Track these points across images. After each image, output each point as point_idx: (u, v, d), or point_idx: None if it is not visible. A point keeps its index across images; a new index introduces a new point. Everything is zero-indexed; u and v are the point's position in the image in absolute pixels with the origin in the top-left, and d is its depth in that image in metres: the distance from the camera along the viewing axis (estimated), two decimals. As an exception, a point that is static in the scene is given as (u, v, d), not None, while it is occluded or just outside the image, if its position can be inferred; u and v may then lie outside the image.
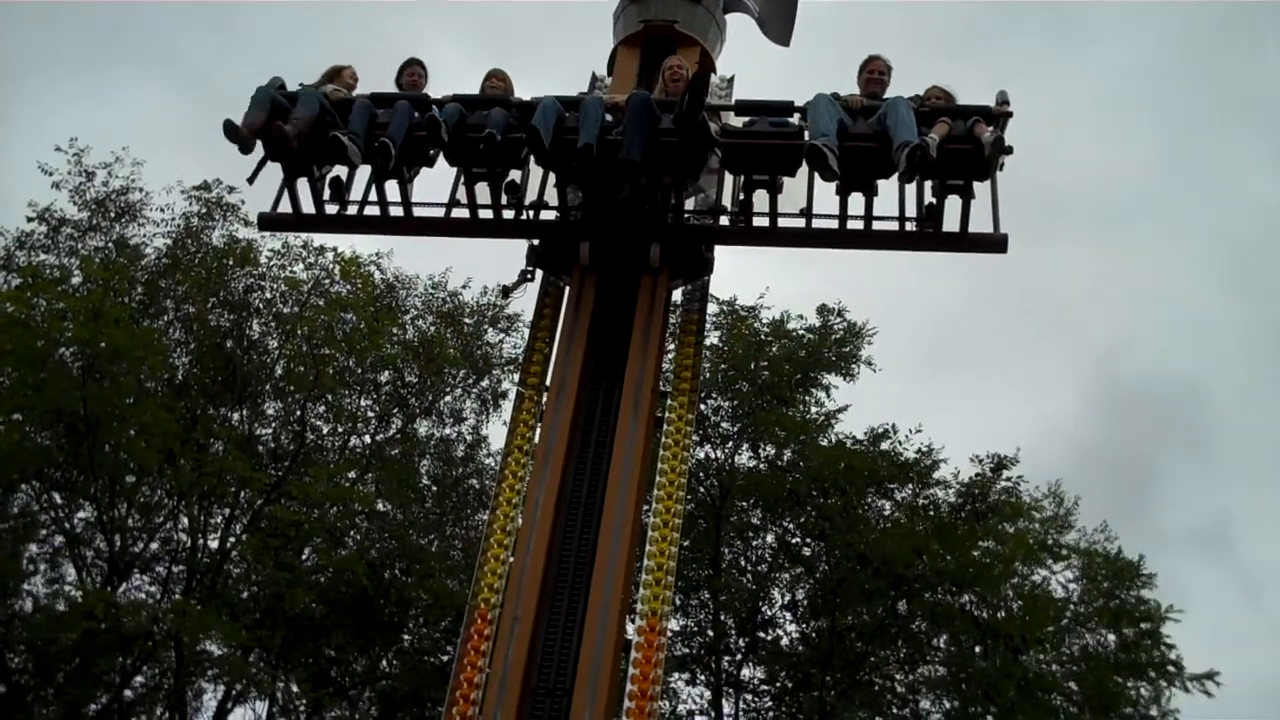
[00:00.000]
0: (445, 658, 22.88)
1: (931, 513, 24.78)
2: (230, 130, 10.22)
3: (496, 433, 27.77)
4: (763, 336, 26.11)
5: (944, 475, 25.07)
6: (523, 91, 11.08)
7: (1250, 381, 56.91)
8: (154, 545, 24.58)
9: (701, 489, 25.47)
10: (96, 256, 25.03)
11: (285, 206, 11.37)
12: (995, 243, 10.54)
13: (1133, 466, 48.68)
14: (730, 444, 26.16)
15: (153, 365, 23.04)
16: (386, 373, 26.99)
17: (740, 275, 51.00)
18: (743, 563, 25.93)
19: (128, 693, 22.88)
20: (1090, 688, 22.43)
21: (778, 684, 24.90)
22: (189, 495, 23.39)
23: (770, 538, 25.94)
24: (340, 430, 26.69)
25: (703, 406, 25.04)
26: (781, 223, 10.85)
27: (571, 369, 10.50)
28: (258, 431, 25.95)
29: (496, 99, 10.72)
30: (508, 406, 19.52)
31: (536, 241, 11.34)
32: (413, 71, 11.39)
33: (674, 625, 23.36)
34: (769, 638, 25.07)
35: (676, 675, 24.25)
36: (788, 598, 25.46)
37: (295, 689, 24.05)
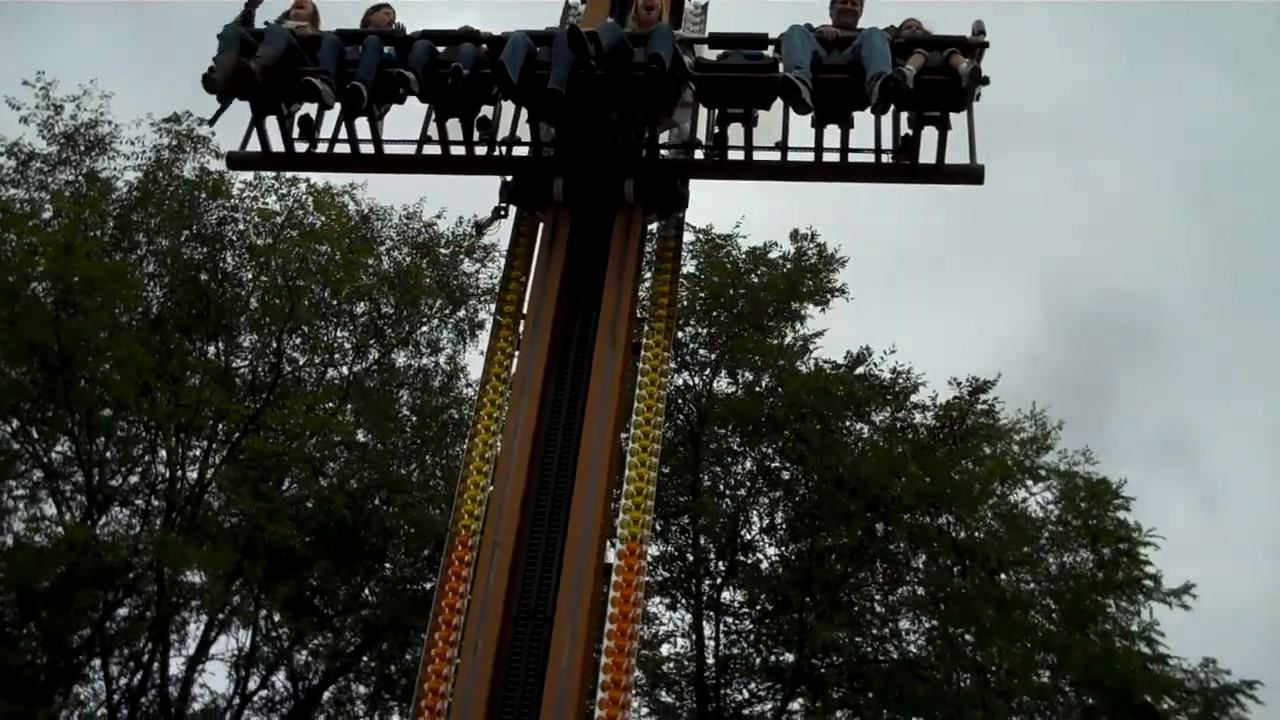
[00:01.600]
0: (427, 585, 23.01)
1: (910, 435, 24.92)
2: (209, 84, 10.10)
3: (474, 362, 27.81)
4: (740, 265, 26.08)
5: (922, 399, 25.23)
6: (492, 25, 10.93)
7: (1205, 296, 57.37)
8: (133, 478, 24.60)
9: (680, 416, 25.54)
10: (67, 190, 24.81)
11: (255, 144, 11.20)
12: (972, 174, 10.45)
13: (1090, 381, 49.20)
14: (708, 371, 26.21)
15: (126, 299, 22.92)
16: (362, 304, 26.85)
17: (715, 203, 50.61)
18: (722, 488, 26.03)
19: (110, 625, 22.96)
20: (1068, 605, 22.64)
21: (758, 606, 25.12)
22: (166, 428, 23.37)
23: (749, 463, 26.03)
24: (317, 362, 26.64)
25: (680, 334, 25.03)
26: (757, 156, 10.77)
27: (547, 302, 10.43)
28: (234, 364, 25.90)
29: (466, 34, 10.56)
30: (485, 336, 19.53)
31: (510, 178, 11.23)
32: (386, 12, 11.20)
33: (654, 550, 23.51)
34: (748, 561, 25.25)
35: (657, 599, 24.49)
36: (767, 521, 25.62)
37: (277, 618, 24.17)
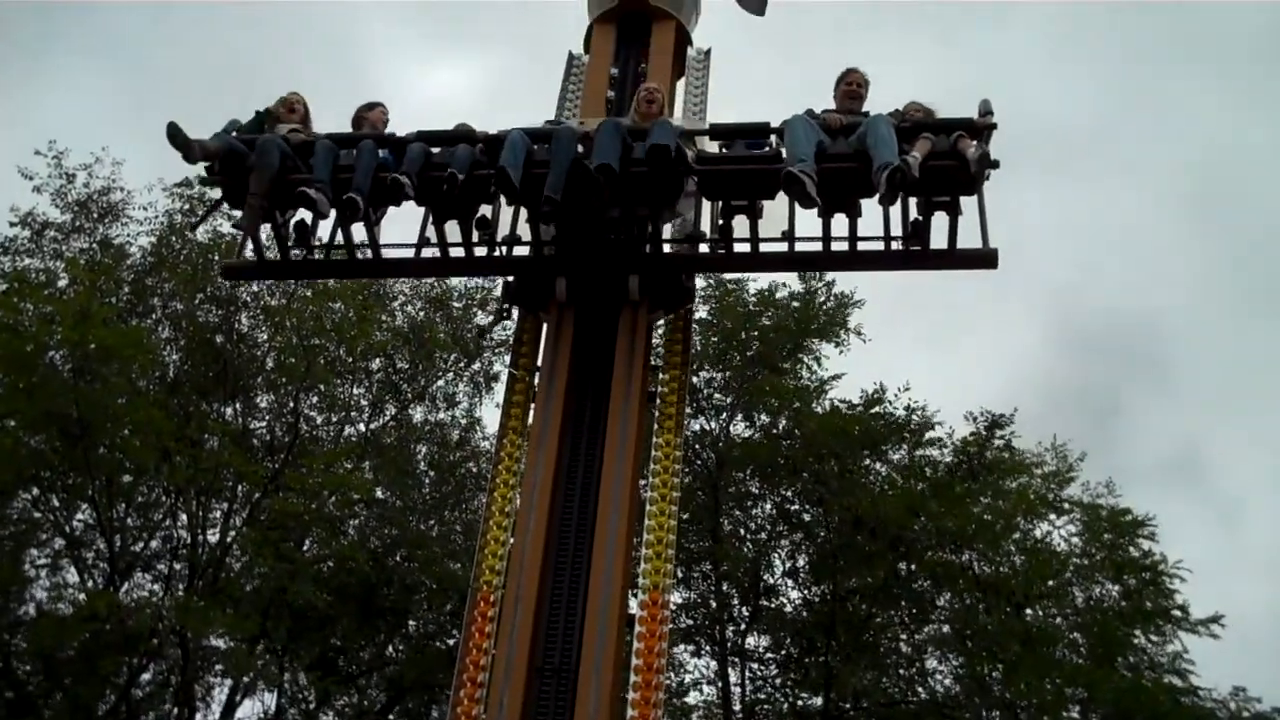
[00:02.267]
0: (451, 641, 22.96)
1: (928, 473, 24.88)
2: (173, 134, 9.94)
3: (490, 415, 27.83)
4: (751, 307, 26.20)
5: (938, 434, 25.23)
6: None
7: (1209, 313, 57.01)
8: (154, 543, 24.59)
9: (698, 461, 25.56)
10: (81, 258, 24.98)
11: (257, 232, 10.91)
12: (985, 258, 10.15)
13: (1098, 402, 48.93)
14: (724, 415, 26.24)
15: (143, 364, 23.04)
16: (377, 360, 26.97)
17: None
18: (742, 532, 26.02)
19: (136, 691, 22.92)
20: (1095, 637, 22.49)
21: (783, 651, 25.00)
22: (186, 492, 23.38)
23: (769, 505, 26.04)
24: (334, 420, 26.72)
25: (695, 379, 25.10)
26: (763, 247, 10.48)
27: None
28: (251, 425, 25.96)
29: (462, 134, 10.31)
30: (500, 388, 19.55)
31: (511, 278, 11.05)
32: (380, 111, 11.03)
33: (676, 598, 23.43)
34: (772, 605, 25.15)
35: (682, 647, 24.36)
36: (789, 564, 25.57)
37: (303, 679, 24.09)
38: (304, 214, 10.65)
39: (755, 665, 25.17)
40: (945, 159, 9.55)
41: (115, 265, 25.00)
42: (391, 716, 25.52)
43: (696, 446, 25.48)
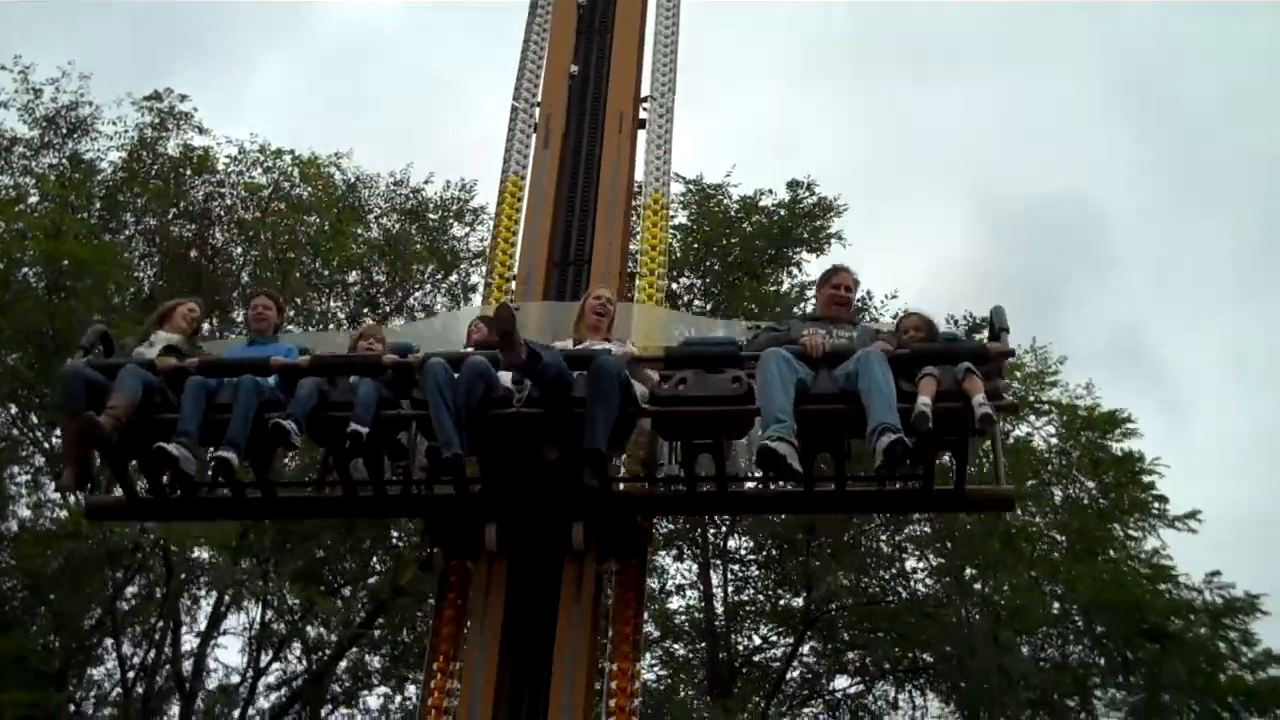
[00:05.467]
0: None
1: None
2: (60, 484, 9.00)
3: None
4: (733, 214, 26.11)
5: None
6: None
7: (1141, 196, 57.25)
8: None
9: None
10: (51, 174, 24.78)
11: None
12: (998, 499, 8.89)
13: (1035, 291, 48.96)
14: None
15: (117, 280, 22.91)
16: (354, 273, 26.83)
17: (702, 150, 50.60)
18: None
19: (120, 605, 22.99)
20: (1074, 534, 22.64)
21: (764, 552, 25.15)
22: (165, 407, 23.30)
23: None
24: (312, 332, 26.58)
25: (674, 285, 25.04)
26: (734, 487, 8.88)
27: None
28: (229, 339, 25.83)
29: (365, 363, 8.52)
30: (478, 299, 19.42)
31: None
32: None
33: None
34: (753, 508, 25.22)
35: (664, 552, 24.47)
36: (770, 468, 25.55)
37: (287, 589, 24.14)
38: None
39: (736, 567, 25.35)
40: (951, 399, 7.79)
41: (86, 181, 24.78)
42: (378, 628, 25.65)
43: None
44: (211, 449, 8.18)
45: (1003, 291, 53.65)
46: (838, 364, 7.97)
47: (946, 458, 8.69)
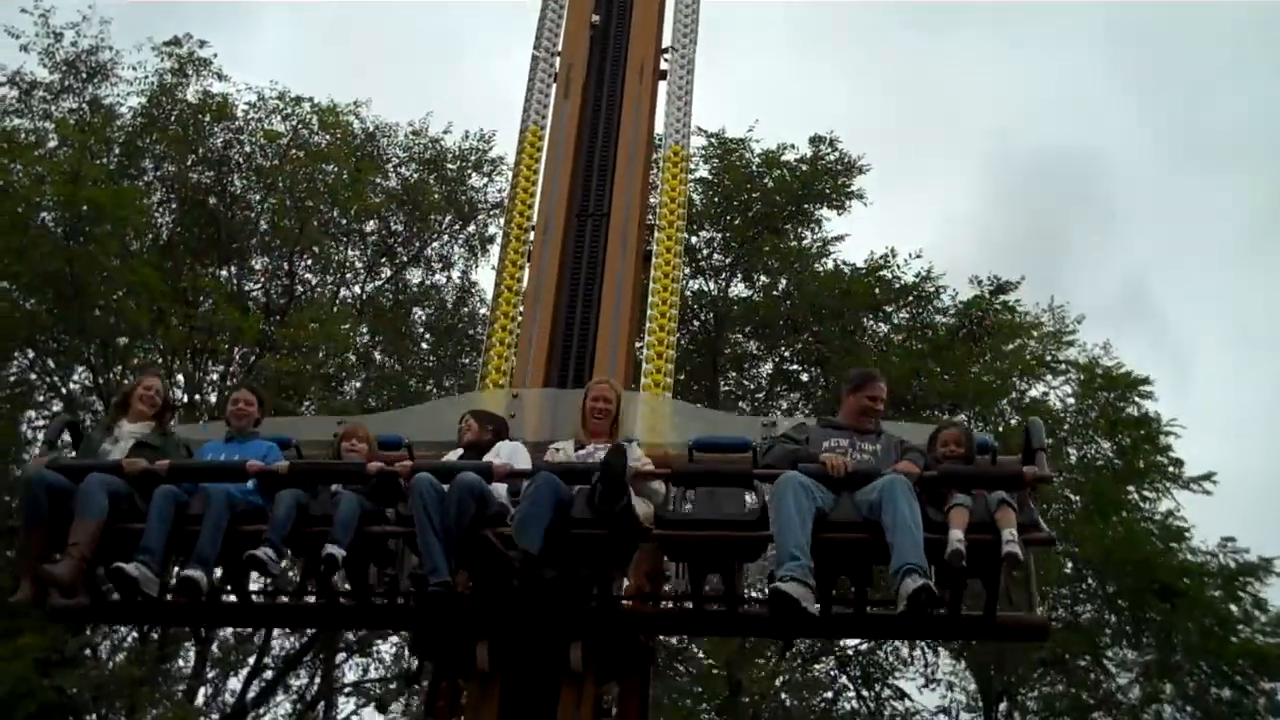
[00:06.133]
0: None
1: (929, 335, 24.85)
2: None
3: (486, 279, 27.72)
4: (754, 169, 26.00)
5: (944, 301, 25.20)
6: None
7: (1149, 151, 56.79)
8: (152, 406, 24.55)
9: (696, 322, 25.48)
10: (71, 119, 24.72)
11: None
12: (1033, 630, 8.14)
13: (1042, 246, 48.82)
14: (723, 275, 26.14)
15: (135, 225, 22.94)
16: (372, 222, 26.88)
17: (723, 104, 50.39)
18: (740, 392, 26.03)
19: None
20: (1089, 494, 22.56)
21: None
22: (182, 353, 23.40)
23: (768, 366, 26.02)
24: (330, 281, 26.64)
25: (694, 239, 24.98)
26: (746, 608, 8.26)
27: None
28: (247, 287, 25.90)
29: (348, 472, 7.97)
30: (496, 251, 19.40)
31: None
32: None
33: (673, 457, 23.42)
34: (769, 464, 25.19)
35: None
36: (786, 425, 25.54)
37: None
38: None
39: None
40: (983, 532, 7.17)
41: (105, 126, 24.71)
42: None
43: (695, 307, 25.40)
44: (177, 569, 7.65)
45: (1010, 249, 53.32)
46: (860, 485, 7.40)
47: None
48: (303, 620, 10.06)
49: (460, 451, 8.36)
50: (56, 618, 9.73)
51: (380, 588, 8.19)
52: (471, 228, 27.32)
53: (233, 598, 8.12)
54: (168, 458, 8.11)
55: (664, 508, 7.75)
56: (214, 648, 23.35)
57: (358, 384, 25.61)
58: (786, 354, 25.81)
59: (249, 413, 8.78)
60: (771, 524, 7.22)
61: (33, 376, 23.66)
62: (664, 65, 13.17)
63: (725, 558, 7.75)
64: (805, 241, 26.24)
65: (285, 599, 8.52)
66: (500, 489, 7.76)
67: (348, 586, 7.92)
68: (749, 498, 7.72)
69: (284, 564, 7.69)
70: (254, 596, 7.89)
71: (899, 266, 25.22)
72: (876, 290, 25.15)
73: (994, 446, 8.60)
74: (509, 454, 8.13)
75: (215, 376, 24.46)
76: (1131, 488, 22.77)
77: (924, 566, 6.93)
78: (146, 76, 25.49)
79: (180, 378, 23.84)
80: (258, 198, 25.74)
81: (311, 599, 8.34)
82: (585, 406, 8.51)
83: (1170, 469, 22.71)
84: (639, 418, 9.63)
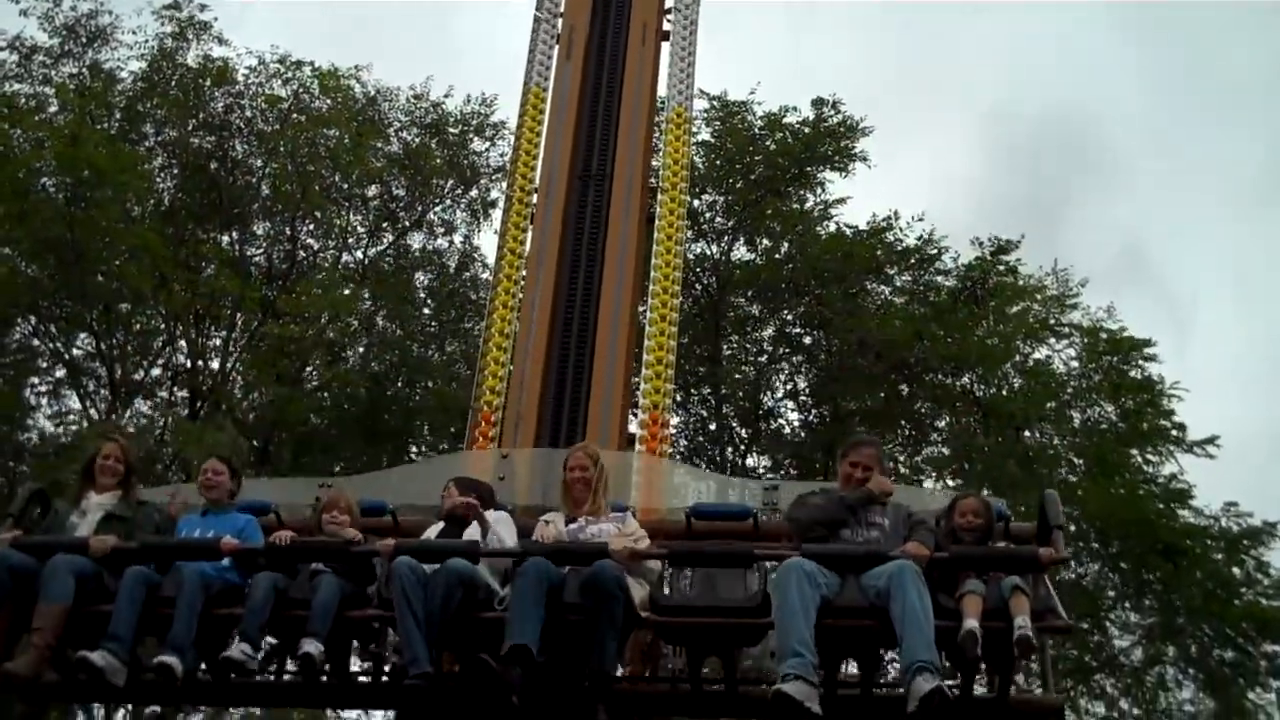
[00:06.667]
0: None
1: (932, 297, 24.80)
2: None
3: (489, 244, 27.68)
4: (756, 131, 25.90)
5: (945, 263, 25.12)
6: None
7: (1147, 109, 56.38)
8: (155, 371, 24.71)
9: (698, 285, 25.46)
10: (71, 83, 24.64)
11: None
12: (1047, 711, 7.76)
13: (1042, 206, 48.70)
14: (725, 239, 26.10)
15: (137, 190, 22.83)
16: (374, 187, 26.76)
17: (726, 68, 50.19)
18: (743, 355, 26.04)
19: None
20: (1092, 457, 22.53)
21: (782, 471, 25.15)
22: (185, 318, 23.40)
23: (770, 329, 26.01)
24: (332, 246, 26.60)
25: (696, 202, 24.91)
26: (745, 688, 7.90)
27: None
28: (249, 252, 25.87)
29: (327, 550, 7.73)
30: (498, 215, 19.35)
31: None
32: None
33: (675, 420, 23.52)
34: (771, 427, 25.30)
35: (682, 469, 24.43)
36: (789, 386, 25.65)
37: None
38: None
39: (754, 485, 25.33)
40: (996, 619, 6.99)
41: (106, 91, 24.62)
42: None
43: (697, 270, 25.38)
44: (153, 658, 7.36)
45: (1008, 209, 53.20)
46: (867, 567, 7.20)
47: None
48: (281, 699, 9.66)
49: (441, 526, 8.13)
50: (28, 699, 9.36)
51: (364, 663, 8.03)
52: (474, 192, 27.26)
53: (208, 676, 7.72)
54: (139, 530, 7.91)
55: (660, 588, 7.55)
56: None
57: (360, 349, 25.63)
58: (789, 317, 25.77)
59: (220, 483, 8.34)
60: (774, 614, 7.01)
61: (35, 342, 23.72)
62: (667, 26, 13.11)
63: (725, 643, 7.56)
64: (808, 205, 26.15)
65: (261, 679, 7.94)
66: (486, 568, 7.53)
67: (328, 666, 7.59)
68: (750, 576, 7.51)
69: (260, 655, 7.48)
70: (230, 675, 7.42)
71: (901, 230, 25.16)
72: (879, 253, 25.08)
73: (1007, 515, 8.52)
74: (495, 524, 7.83)
75: (218, 342, 24.47)
76: (1135, 451, 22.72)
77: (936, 664, 6.68)
78: (147, 41, 25.49)
79: (183, 343, 23.88)
80: (259, 163, 25.67)
81: (290, 676, 7.94)
82: (565, 477, 8.26)
83: (1174, 433, 22.62)
84: (635, 485, 9.53)
